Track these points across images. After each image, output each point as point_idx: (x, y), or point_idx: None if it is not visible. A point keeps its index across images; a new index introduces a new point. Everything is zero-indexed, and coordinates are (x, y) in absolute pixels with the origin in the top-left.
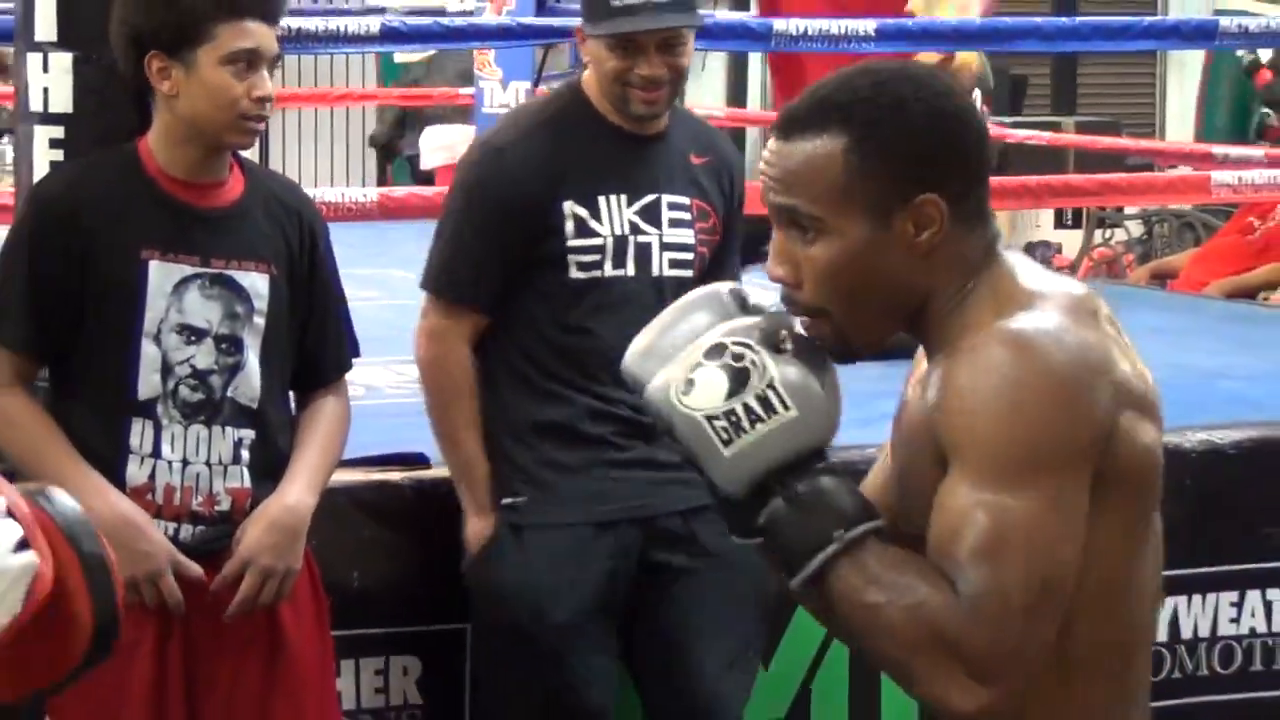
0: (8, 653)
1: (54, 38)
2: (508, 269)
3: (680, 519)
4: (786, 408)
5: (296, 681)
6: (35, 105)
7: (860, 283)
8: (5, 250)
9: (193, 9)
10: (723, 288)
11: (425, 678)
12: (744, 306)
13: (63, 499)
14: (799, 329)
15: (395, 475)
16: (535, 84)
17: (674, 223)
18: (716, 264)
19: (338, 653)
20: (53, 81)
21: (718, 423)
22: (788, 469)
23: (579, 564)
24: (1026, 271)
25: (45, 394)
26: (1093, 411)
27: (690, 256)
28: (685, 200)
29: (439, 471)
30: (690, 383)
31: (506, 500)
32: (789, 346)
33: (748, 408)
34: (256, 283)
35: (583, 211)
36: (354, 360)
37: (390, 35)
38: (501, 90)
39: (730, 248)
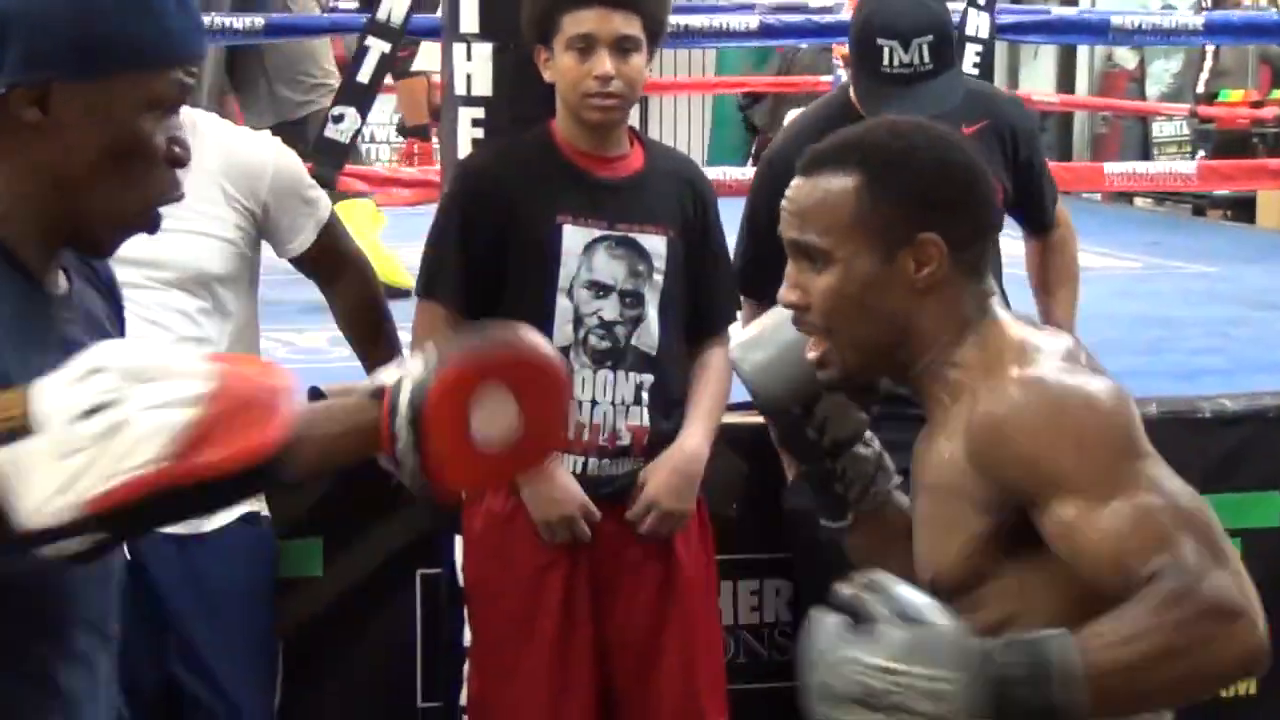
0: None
1: (476, 30)
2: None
3: None
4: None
5: (685, 598)
6: (460, 90)
7: (860, 311)
8: (438, 217)
9: (542, 4)
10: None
11: (795, 598)
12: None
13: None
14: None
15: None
16: None
17: None
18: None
19: (719, 575)
20: (475, 69)
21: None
22: None
23: None
24: (1018, 326)
25: None
26: (1125, 409)
27: None
28: None
29: None
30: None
31: None
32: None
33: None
34: (656, 244)
35: None
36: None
37: (766, 31)
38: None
39: (1035, 192)
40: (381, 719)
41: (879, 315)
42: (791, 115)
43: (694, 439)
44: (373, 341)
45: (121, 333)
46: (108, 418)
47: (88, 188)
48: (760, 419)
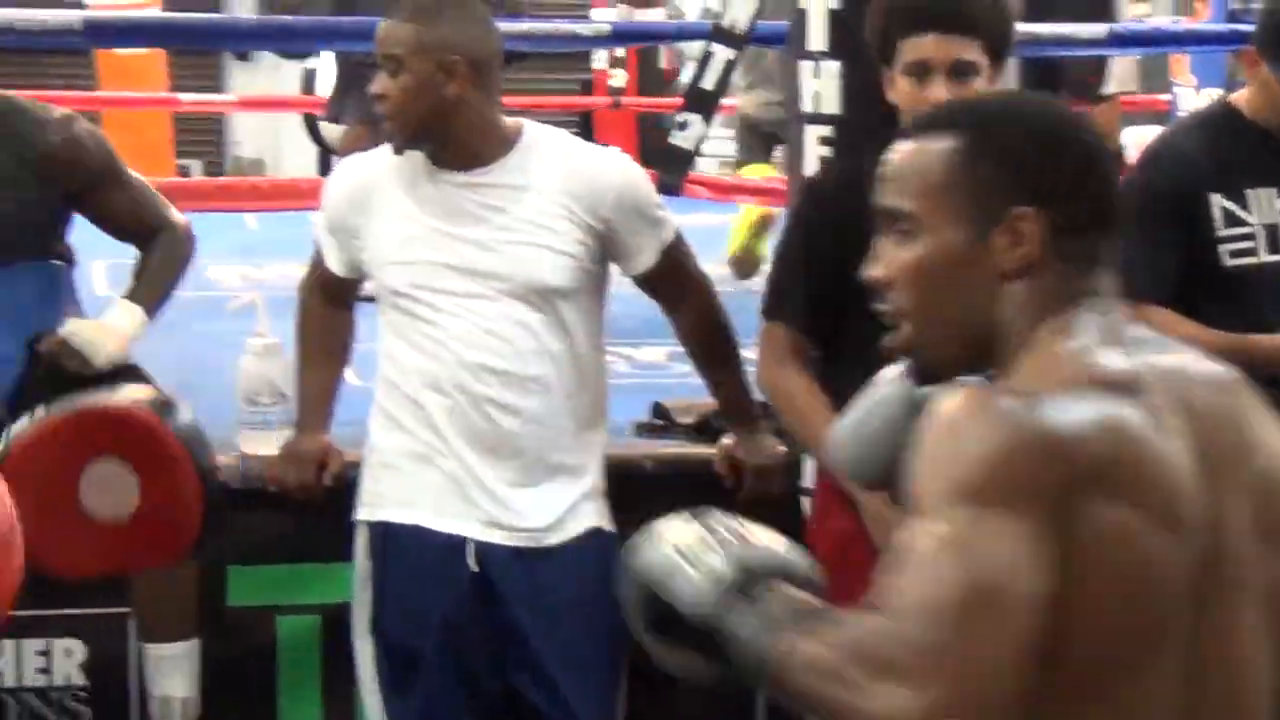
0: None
1: (824, 47)
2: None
3: None
4: None
5: None
6: (806, 107)
7: (941, 291)
8: (783, 235)
9: (880, 28)
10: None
11: None
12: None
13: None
14: None
15: None
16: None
17: None
18: None
19: None
20: (822, 86)
21: None
22: None
23: None
24: (1101, 342)
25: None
26: (1026, 469)
27: None
28: None
29: None
30: None
31: None
32: None
33: None
34: None
35: (1231, 204)
36: None
37: (1117, 40)
38: (1195, 95)
39: None
40: None
41: (962, 298)
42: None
43: None
44: (717, 363)
45: None
46: None
47: None
48: None
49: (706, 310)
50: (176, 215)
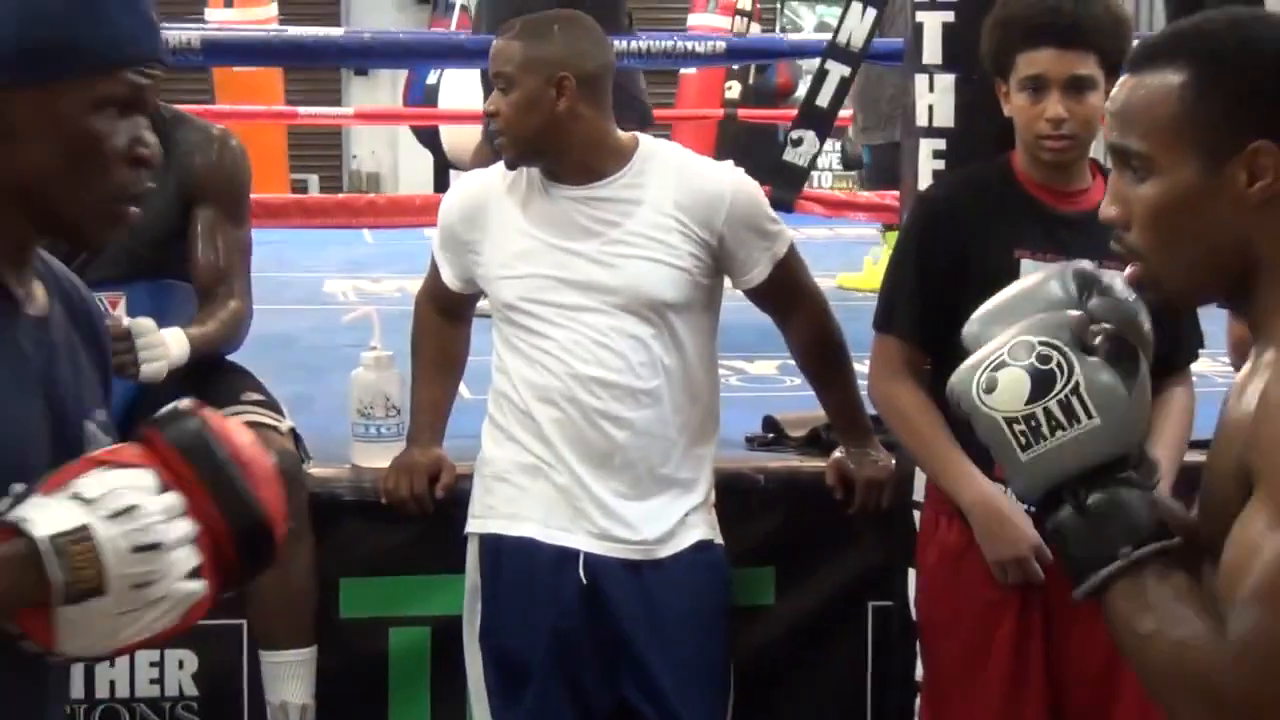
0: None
1: (939, 60)
2: None
3: None
4: (1089, 415)
5: None
6: (921, 120)
7: (1181, 229)
8: (896, 249)
9: (996, 42)
10: (1072, 267)
11: None
12: (1085, 288)
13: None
14: (1117, 324)
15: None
16: None
17: None
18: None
19: None
20: (937, 100)
21: (1017, 426)
22: (1083, 478)
23: None
24: None
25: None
26: None
27: None
28: None
29: None
30: (994, 381)
31: None
32: (1102, 345)
33: (1049, 413)
34: (1115, 281)
35: None
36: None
37: None
38: None
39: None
40: None
41: (1200, 235)
42: None
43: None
44: (828, 376)
45: (103, 359)
46: (157, 589)
47: (50, 191)
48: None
49: (818, 323)
50: (247, 296)
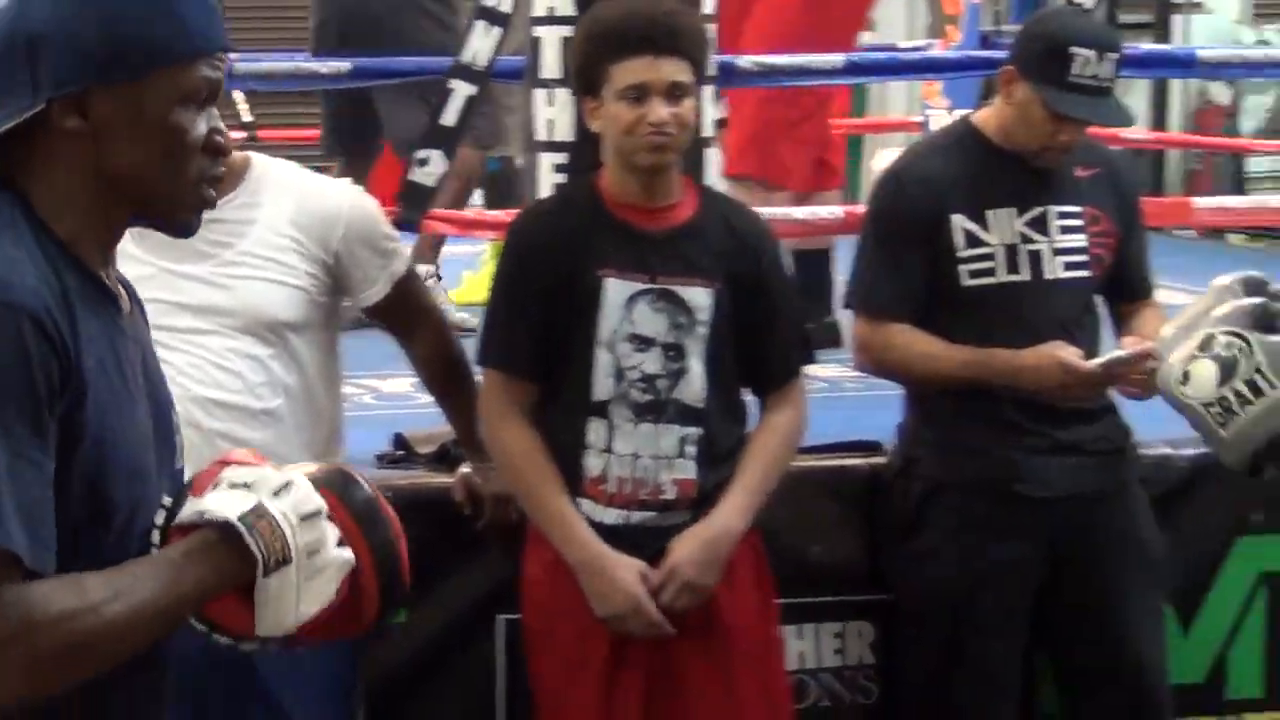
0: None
1: (557, 75)
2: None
3: (1086, 501)
4: (1273, 387)
5: (732, 654)
6: (541, 135)
7: None
8: (492, 280)
9: (588, 56)
10: (1235, 278)
11: (878, 641)
12: (1253, 291)
13: (356, 491)
14: None
15: (852, 460)
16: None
17: (1065, 230)
18: (1120, 263)
19: (798, 618)
20: (556, 114)
21: (1213, 409)
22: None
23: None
24: None
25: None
26: None
27: (1084, 259)
28: (1076, 209)
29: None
30: (1186, 375)
31: None
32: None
33: (1238, 393)
34: (699, 296)
35: (972, 225)
36: (815, 362)
37: (852, 69)
38: (948, 117)
39: (1133, 245)
40: None
41: None
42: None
43: (729, 514)
44: (451, 394)
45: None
46: (324, 556)
47: (142, 181)
48: (850, 461)
49: (439, 341)
50: None
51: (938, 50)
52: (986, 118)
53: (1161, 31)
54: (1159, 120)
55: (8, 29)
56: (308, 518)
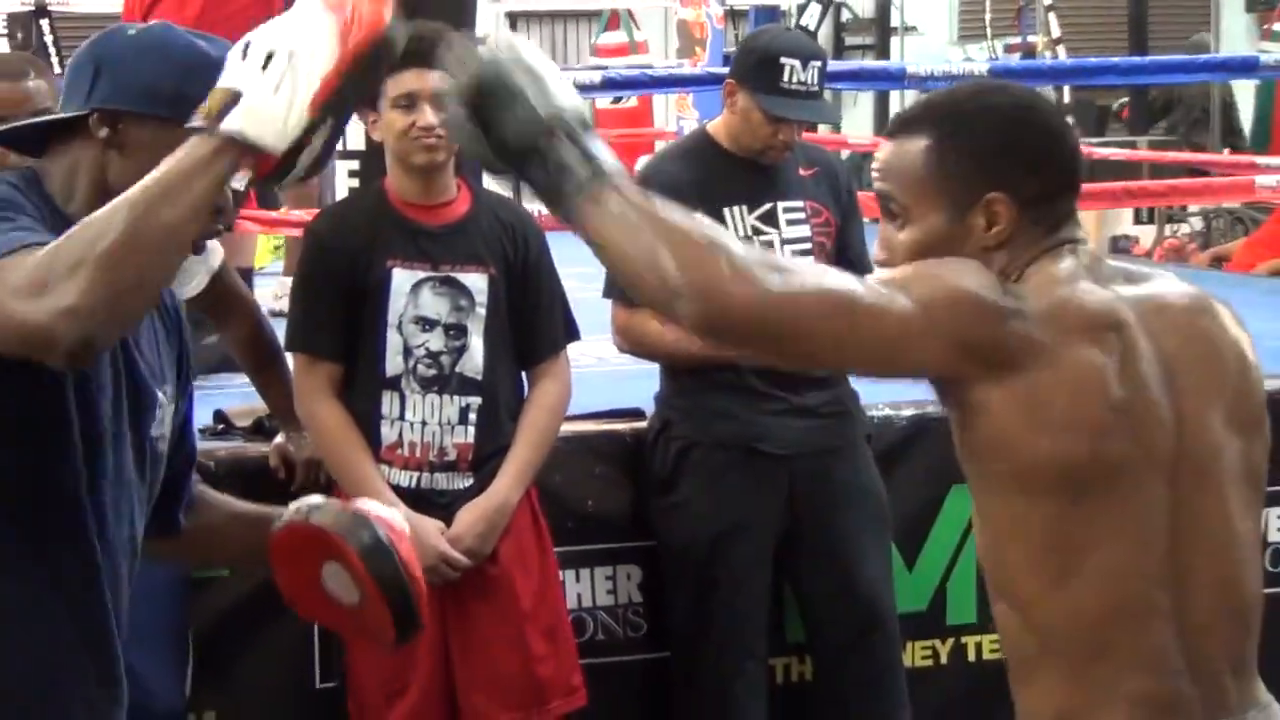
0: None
1: None
2: None
3: (820, 456)
4: None
5: (518, 598)
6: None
7: None
8: (295, 275)
9: None
10: None
11: (645, 581)
12: None
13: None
14: None
15: (619, 425)
16: None
17: (790, 222)
18: (841, 248)
19: (576, 564)
20: (350, 126)
21: None
22: None
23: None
24: (1078, 280)
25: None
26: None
27: (809, 247)
28: (800, 204)
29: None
30: None
31: None
32: None
33: None
34: (477, 281)
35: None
36: (579, 340)
37: (610, 84)
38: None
39: (851, 232)
40: (283, 700)
41: None
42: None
43: (505, 488)
44: (264, 370)
45: (181, 349)
46: (282, 56)
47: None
48: (616, 426)
49: (252, 323)
50: None
51: (687, 68)
52: (718, 127)
53: (883, 51)
54: (881, 125)
55: (89, 50)
56: (240, 53)
